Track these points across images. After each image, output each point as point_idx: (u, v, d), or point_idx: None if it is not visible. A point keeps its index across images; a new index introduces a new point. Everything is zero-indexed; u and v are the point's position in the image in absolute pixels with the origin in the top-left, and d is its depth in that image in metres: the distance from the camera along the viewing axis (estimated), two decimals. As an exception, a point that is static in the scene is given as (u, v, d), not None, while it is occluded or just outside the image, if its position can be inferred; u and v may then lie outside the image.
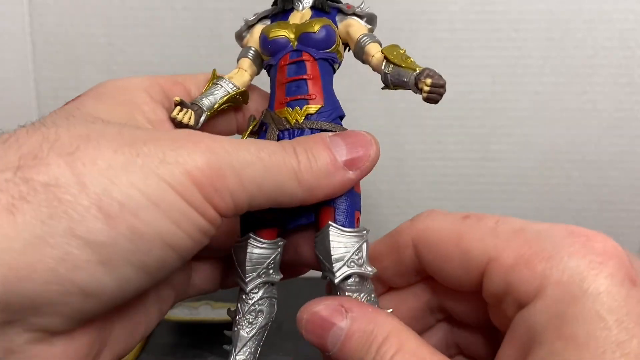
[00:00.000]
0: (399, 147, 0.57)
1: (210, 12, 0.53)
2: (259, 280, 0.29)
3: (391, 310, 0.27)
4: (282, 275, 0.29)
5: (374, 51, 0.31)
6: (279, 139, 0.29)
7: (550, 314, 0.21)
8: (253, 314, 0.29)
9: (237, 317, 0.29)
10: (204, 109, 0.30)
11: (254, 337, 0.29)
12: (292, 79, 0.30)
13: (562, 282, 0.21)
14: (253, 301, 0.29)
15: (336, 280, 0.27)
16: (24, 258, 0.21)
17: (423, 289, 0.30)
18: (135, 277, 0.23)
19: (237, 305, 0.29)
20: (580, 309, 0.21)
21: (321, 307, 0.26)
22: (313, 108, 0.30)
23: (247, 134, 0.31)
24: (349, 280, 0.27)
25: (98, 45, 0.55)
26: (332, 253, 0.27)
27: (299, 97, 0.29)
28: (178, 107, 0.29)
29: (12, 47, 0.55)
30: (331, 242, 0.27)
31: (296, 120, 0.29)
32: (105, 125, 0.25)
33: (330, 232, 0.27)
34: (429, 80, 0.28)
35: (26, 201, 0.21)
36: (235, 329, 0.29)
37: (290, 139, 0.29)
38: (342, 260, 0.27)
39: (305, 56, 0.30)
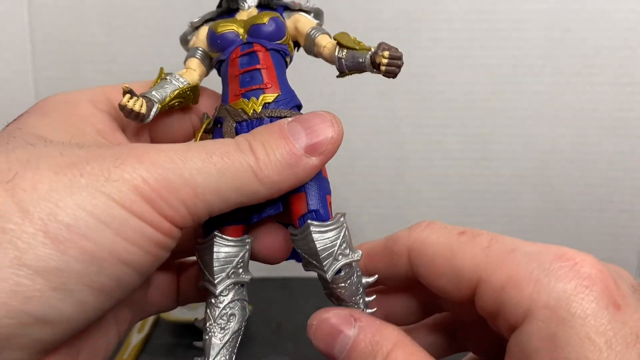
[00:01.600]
0: (399, 147, 0.57)
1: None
2: (228, 282, 0.27)
3: (375, 309, 0.28)
4: (252, 275, 0.28)
5: (325, 42, 0.30)
6: (237, 132, 0.28)
7: (541, 337, 0.22)
8: (225, 318, 0.27)
9: (208, 324, 0.27)
10: (155, 100, 0.28)
11: (228, 343, 0.27)
12: (245, 70, 0.29)
13: (549, 306, 0.22)
14: (224, 304, 0.27)
15: (329, 277, 0.26)
16: None
17: (418, 288, 0.29)
18: (93, 300, 0.22)
19: (206, 311, 0.27)
20: (569, 332, 0.21)
21: (330, 315, 0.26)
22: (270, 97, 0.28)
23: (200, 133, 0.29)
24: (340, 273, 0.27)
25: (98, 45, 0.55)
26: (319, 253, 0.26)
27: (254, 87, 0.28)
28: (128, 95, 0.27)
29: (12, 47, 0.55)
30: (316, 241, 0.26)
31: (254, 110, 0.28)
32: (45, 146, 0.24)
33: (312, 231, 0.26)
34: (386, 53, 0.27)
35: None
36: (207, 337, 0.27)
37: (248, 129, 0.28)
38: (331, 255, 0.26)
39: (256, 47, 0.29)
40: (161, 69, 0.30)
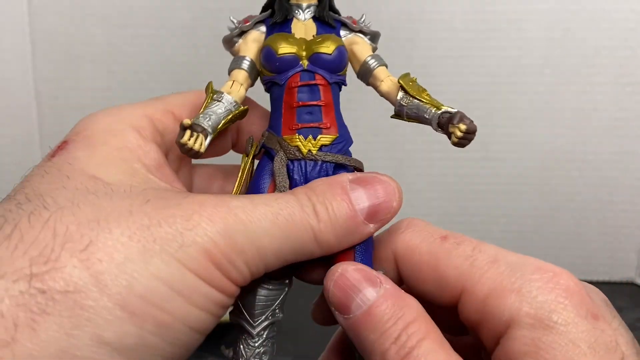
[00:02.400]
0: (399, 147, 0.57)
1: (210, 12, 0.53)
2: (266, 323, 0.27)
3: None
4: (285, 313, 0.29)
5: (383, 76, 0.29)
6: (288, 170, 0.27)
7: (526, 342, 0.22)
8: (258, 357, 0.28)
9: None
10: (210, 130, 0.26)
11: None
12: (304, 103, 0.28)
13: (532, 314, 0.22)
14: (259, 343, 0.27)
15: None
16: None
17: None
18: None
19: (239, 347, 0.27)
20: (554, 338, 0.22)
21: (359, 267, 0.25)
22: (327, 139, 0.28)
23: (249, 160, 0.29)
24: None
25: (98, 45, 0.55)
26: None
27: (312, 125, 0.28)
28: (188, 132, 0.25)
29: (12, 47, 0.55)
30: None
31: (309, 150, 0.27)
32: (110, 199, 0.23)
33: None
34: (463, 127, 0.27)
35: (46, 313, 0.19)
36: None
37: (301, 170, 0.27)
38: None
39: (318, 79, 0.28)
40: (210, 84, 0.28)
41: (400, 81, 0.29)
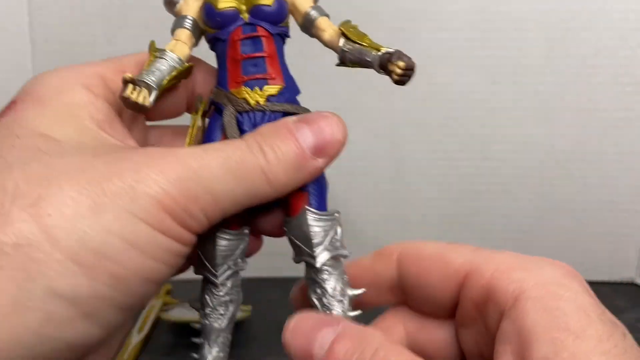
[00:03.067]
0: (399, 147, 0.57)
1: (210, 12, 0.53)
2: (229, 272, 0.28)
3: (364, 290, 0.28)
4: (247, 263, 0.29)
5: (325, 25, 0.30)
6: (238, 122, 0.28)
7: (538, 310, 0.22)
8: (224, 305, 0.28)
9: (207, 310, 0.28)
10: (154, 86, 0.27)
11: (226, 327, 0.29)
12: (248, 56, 0.28)
13: (541, 284, 0.23)
14: (223, 292, 0.28)
15: (318, 264, 0.27)
16: (7, 326, 0.20)
17: (393, 324, 0.29)
18: (119, 318, 0.23)
19: (204, 297, 0.28)
20: (565, 305, 0.22)
21: (312, 314, 0.26)
22: (273, 89, 0.28)
23: (198, 116, 0.29)
24: (328, 263, 0.27)
25: (98, 45, 0.55)
26: (312, 238, 0.27)
27: (257, 76, 0.28)
28: (130, 86, 0.26)
29: (12, 47, 0.55)
30: (310, 227, 0.27)
31: (257, 101, 0.28)
32: (61, 157, 0.23)
33: (308, 218, 0.27)
34: (401, 63, 0.27)
35: None
36: (207, 322, 0.28)
37: (250, 121, 0.28)
38: (322, 244, 0.27)
39: (260, 31, 0.28)
40: (152, 43, 0.29)
41: (342, 28, 0.29)
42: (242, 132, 0.28)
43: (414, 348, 0.29)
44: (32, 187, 0.21)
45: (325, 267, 0.27)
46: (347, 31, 0.29)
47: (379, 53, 0.28)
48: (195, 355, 0.29)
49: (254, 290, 0.60)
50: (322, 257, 0.27)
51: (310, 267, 0.27)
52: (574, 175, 0.58)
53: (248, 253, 0.30)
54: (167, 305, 0.53)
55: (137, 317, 0.51)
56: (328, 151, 0.26)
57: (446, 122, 0.57)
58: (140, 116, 0.30)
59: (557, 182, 0.58)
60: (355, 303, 0.28)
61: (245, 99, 0.28)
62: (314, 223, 0.27)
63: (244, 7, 0.28)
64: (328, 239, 0.27)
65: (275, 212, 0.29)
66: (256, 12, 0.28)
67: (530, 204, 0.59)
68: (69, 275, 0.20)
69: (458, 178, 0.58)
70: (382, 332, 0.24)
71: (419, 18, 0.54)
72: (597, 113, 0.56)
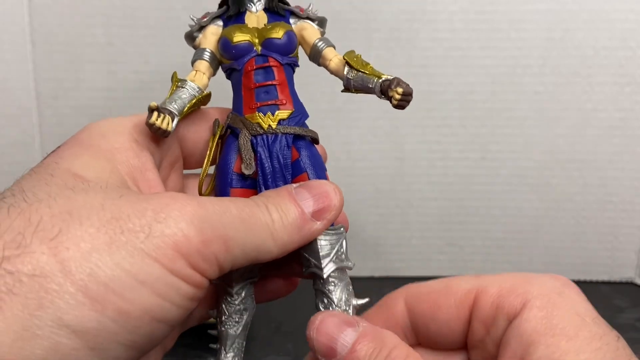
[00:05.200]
0: (399, 147, 0.57)
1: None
2: (242, 283, 0.30)
3: (367, 299, 0.30)
4: (259, 275, 0.31)
5: (331, 55, 0.33)
6: (252, 145, 0.30)
7: (539, 317, 0.25)
8: (239, 313, 0.31)
9: (224, 318, 0.30)
10: (176, 113, 0.30)
11: (241, 334, 0.31)
12: (260, 84, 0.31)
13: (543, 294, 0.25)
14: (238, 301, 0.30)
15: (324, 275, 0.29)
16: (14, 351, 0.20)
17: None
18: (124, 355, 0.23)
19: (221, 306, 0.31)
20: (563, 311, 0.25)
21: (335, 313, 0.28)
22: (284, 113, 0.31)
23: (216, 139, 0.31)
24: (332, 273, 0.29)
25: (98, 45, 0.55)
26: (320, 251, 0.29)
27: (269, 102, 0.31)
28: (155, 113, 0.29)
29: (12, 47, 0.55)
30: (318, 241, 0.29)
31: (269, 125, 0.30)
32: (86, 194, 0.24)
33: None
34: (400, 90, 0.30)
35: (13, 294, 0.21)
36: (223, 328, 0.30)
37: (264, 143, 0.30)
38: (329, 257, 0.29)
39: (271, 62, 0.31)
40: (174, 74, 0.32)
41: (345, 57, 0.32)
42: (255, 152, 0.30)
43: None
44: (55, 222, 0.22)
45: (332, 279, 0.29)
46: (351, 60, 0.32)
47: (380, 80, 0.31)
48: (210, 332, 0.31)
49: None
50: (328, 268, 0.29)
51: (318, 278, 0.30)
52: (573, 175, 0.58)
53: (285, 293, 0.35)
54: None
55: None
56: (326, 215, 0.29)
57: (446, 122, 0.57)
58: (178, 163, 0.33)
59: (557, 182, 0.58)
60: None
61: (258, 123, 0.30)
62: (322, 237, 0.29)
63: (256, 40, 0.31)
64: (334, 252, 0.29)
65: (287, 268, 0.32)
66: (268, 44, 0.31)
67: (530, 204, 0.59)
68: (78, 307, 0.21)
69: (458, 178, 0.58)
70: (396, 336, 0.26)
71: (418, 18, 0.54)
72: (597, 113, 0.56)
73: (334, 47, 0.33)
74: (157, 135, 0.29)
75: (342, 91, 0.33)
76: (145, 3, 0.54)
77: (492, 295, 0.27)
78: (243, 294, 0.31)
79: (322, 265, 0.29)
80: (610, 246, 0.59)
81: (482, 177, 0.58)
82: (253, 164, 0.30)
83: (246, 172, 0.30)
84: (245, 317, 0.31)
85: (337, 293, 0.29)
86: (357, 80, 0.31)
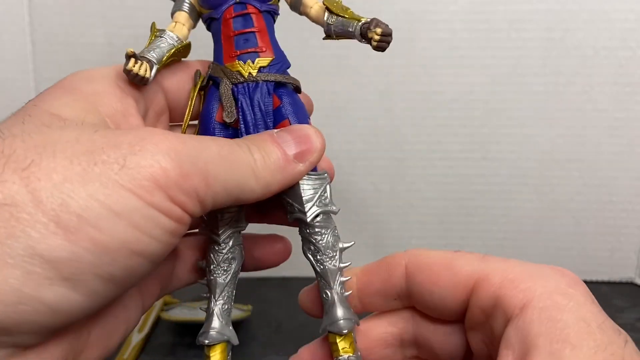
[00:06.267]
0: (399, 147, 0.57)
1: (210, 12, 0.53)
2: (230, 231, 0.30)
3: (353, 242, 0.30)
4: (247, 223, 0.31)
5: (312, 3, 0.32)
6: (233, 93, 0.30)
7: (542, 320, 0.23)
8: (227, 262, 0.30)
9: (212, 267, 0.30)
10: (154, 61, 0.30)
11: (230, 282, 0.30)
12: (239, 32, 0.30)
13: (546, 295, 0.24)
14: (226, 250, 0.30)
15: (308, 219, 0.29)
16: None
17: (400, 317, 0.30)
18: (103, 289, 0.23)
19: (210, 256, 0.30)
20: (567, 316, 0.23)
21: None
22: (264, 61, 0.31)
23: (196, 90, 0.31)
24: (317, 218, 0.29)
25: (98, 45, 0.55)
26: (302, 195, 0.29)
27: (249, 50, 0.30)
28: (132, 59, 0.28)
29: (12, 47, 0.55)
30: (300, 186, 0.29)
31: (249, 73, 0.30)
32: (61, 130, 0.24)
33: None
34: (379, 30, 0.30)
35: None
36: (212, 277, 0.30)
37: (245, 91, 0.30)
38: (312, 201, 0.29)
39: (250, 9, 0.31)
40: (153, 24, 0.32)
41: (325, 3, 0.32)
42: (236, 101, 0.30)
43: (422, 345, 0.30)
44: (28, 154, 0.22)
45: (317, 223, 0.29)
46: (330, 5, 0.31)
47: (360, 24, 0.30)
48: (202, 308, 0.31)
49: (254, 290, 0.60)
50: (311, 212, 0.29)
51: (303, 224, 0.29)
52: (573, 175, 0.58)
53: (277, 261, 0.34)
54: (167, 305, 0.53)
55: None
56: (308, 157, 0.28)
57: (446, 122, 0.57)
58: (164, 115, 0.32)
59: (557, 182, 0.58)
60: (362, 308, 0.30)
61: (239, 71, 0.30)
62: (304, 182, 0.29)
63: None
64: (317, 196, 0.29)
65: (275, 239, 0.32)
66: None
67: (530, 204, 0.59)
68: (49, 236, 0.21)
69: (458, 178, 0.58)
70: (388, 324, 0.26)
71: (418, 18, 0.54)
72: (597, 113, 0.56)
73: None
74: (135, 83, 0.29)
75: (323, 38, 0.32)
76: (145, 3, 0.54)
77: (493, 284, 0.25)
78: (230, 243, 0.30)
79: (306, 210, 0.29)
80: (610, 246, 0.60)
81: (482, 177, 0.58)
82: (234, 112, 0.30)
83: (227, 120, 0.30)
84: (233, 265, 0.30)
85: (324, 238, 0.29)
86: (338, 25, 0.31)
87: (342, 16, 0.31)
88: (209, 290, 0.30)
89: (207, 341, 0.29)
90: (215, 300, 0.30)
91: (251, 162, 0.26)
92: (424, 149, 0.57)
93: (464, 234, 0.60)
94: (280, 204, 0.30)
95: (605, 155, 0.57)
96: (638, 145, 0.57)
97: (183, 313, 0.51)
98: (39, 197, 0.21)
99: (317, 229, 0.29)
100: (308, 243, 0.29)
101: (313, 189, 0.29)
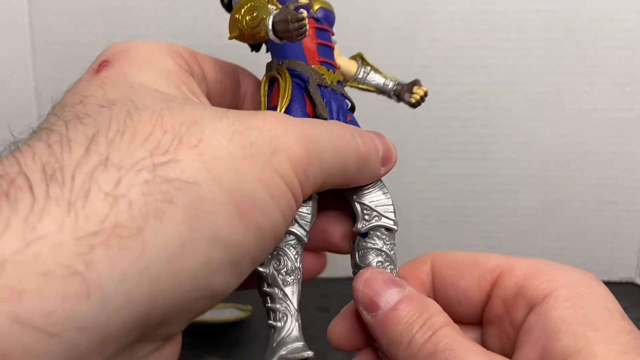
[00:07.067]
0: (399, 147, 0.57)
1: (210, 12, 0.53)
2: None
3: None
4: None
5: (337, 52, 0.33)
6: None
7: (565, 307, 0.23)
8: (299, 267, 0.27)
9: (290, 268, 0.26)
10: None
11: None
12: (321, 42, 0.30)
13: (569, 285, 0.24)
14: (302, 252, 0.27)
15: (396, 227, 0.29)
16: (171, 269, 0.19)
17: None
18: (248, 272, 0.22)
19: (287, 257, 0.26)
20: (590, 303, 0.24)
21: (385, 272, 0.27)
22: (339, 77, 0.31)
23: (288, 83, 0.29)
24: (391, 233, 0.29)
25: (98, 46, 0.55)
26: (393, 203, 0.29)
27: (330, 61, 0.30)
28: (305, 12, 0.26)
29: (12, 47, 0.55)
30: (386, 195, 0.29)
31: (332, 81, 0.30)
32: (192, 106, 0.23)
33: (384, 186, 0.30)
34: (422, 91, 0.33)
35: (171, 203, 0.19)
36: (289, 281, 0.26)
37: (329, 96, 0.29)
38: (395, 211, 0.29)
39: (326, 27, 0.31)
40: None
41: (360, 53, 0.33)
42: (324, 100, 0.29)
43: None
44: (190, 130, 0.21)
45: (387, 236, 0.29)
46: (363, 56, 0.33)
47: (396, 81, 0.33)
48: (272, 324, 0.26)
49: (254, 290, 0.60)
50: (396, 220, 0.29)
51: (388, 230, 0.29)
52: (573, 175, 0.58)
53: (313, 275, 0.32)
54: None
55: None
56: (388, 163, 0.29)
57: (446, 122, 0.57)
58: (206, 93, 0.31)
59: (557, 182, 0.58)
60: None
61: (324, 75, 0.30)
62: (386, 189, 0.29)
63: (315, 7, 0.31)
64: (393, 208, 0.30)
65: (343, 222, 0.30)
66: (321, 11, 0.31)
67: (530, 204, 0.59)
68: (229, 219, 0.20)
69: (458, 178, 0.58)
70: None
71: (418, 18, 0.54)
72: (597, 113, 0.56)
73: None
74: (295, 37, 0.26)
75: (350, 86, 0.33)
76: (145, 3, 0.54)
77: (517, 275, 0.26)
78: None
79: (394, 217, 0.29)
80: (610, 246, 0.59)
81: (482, 177, 0.58)
82: (326, 109, 0.29)
83: (324, 115, 0.28)
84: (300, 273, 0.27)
85: (391, 252, 0.29)
86: (371, 76, 0.33)
87: (376, 70, 0.33)
88: (281, 299, 0.25)
89: (310, 353, 0.25)
90: (297, 310, 0.26)
91: (356, 147, 0.26)
92: (424, 149, 0.57)
93: (464, 234, 0.60)
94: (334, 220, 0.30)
95: (605, 155, 0.57)
96: (638, 145, 0.57)
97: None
98: (218, 176, 0.20)
99: (393, 240, 0.29)
100: (377, 253, 0.28)
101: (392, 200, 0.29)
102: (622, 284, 0.60)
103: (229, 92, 0.31)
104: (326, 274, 0.34)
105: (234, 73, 0.33)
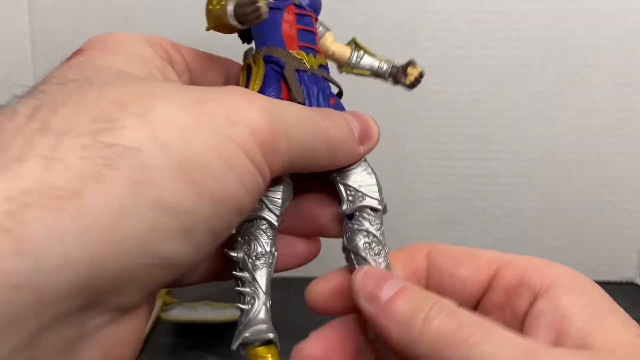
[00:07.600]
0: (399, 147, 0.57)
1: (210, 12, 0.53)
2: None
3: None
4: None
5: (332, 37, 0.33)
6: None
7: (573, 294, 0.24)
8: (273, 252, 0.28)
9: (259, 253, 0.27)
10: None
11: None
12: (303, 27, 0.30)
13: (570, 277, 0.25)
14: (274, 236, 0.28)
15: (382, 207, 0.28)
16: (114, 233, 0.18)
17: None
18: (207, 244, 0.22)
19: (257, 241, 0.27)
20: (594, 293, 0.24)
21: (380, 268, 0.27)
22: (322, 61, 0.31)
23: (260, 67, 0.29)
24: (377, 213, 0.28)
25: (98, 45, 0.55)
26: (377, 183, 0.29)
27: (311, 46, 0.30)
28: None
29: (12, 47, 0.55)
30: (375, 174, 0.29)
31: (312, 65, 0.30)
32: (149, 82, 0.23)
33: (369, 167, 0.30)
34: (416, 71, 0.32)
35: (112, 168, 0.19)
36: (257, 265, 0.27)
37: (304, 80, 0.29)
38: (381, 190, 0.29)
39: (310, 13, 0.31)
40: None
41: (354, 39, 0.33)
42: (300, 85, 0.29)
43: None
44: (139, 100, 0.21)
45: (376, 217, 0.28)
46: (357, 41, 0.33)
47: (391, 63, 0.33)
48: (238, 307, 0.27)
49: (254, 290, 0.60)
50: (384, 202, 0.29)
51: (374, 210, 0.28)
52: (574, 175, 0.58)
53: (305, 260, 0.31)
54: (167, 305, 0.53)
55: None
56: (368, 141, 0.29)
57: (446, 122, 0.57)
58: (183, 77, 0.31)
59: (557, 182, 0.58)
60: None
61: (303, 60, 0.29)
62: (370, 169, 0.29)
63: None
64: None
65: (331, 205, 0.30)
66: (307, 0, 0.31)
67: (530, 204, 0.59)
68: (176, 185, 0.20)
69: (458, 178, 0.58)
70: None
71: (418, 18, 0.54)
72: (597, 113, 0.56)
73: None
74: (252, 21, 0.27)
75: (340, 72, 0.33)
76: (145, 3, 0.54)
77: (518, 267, 0.26)
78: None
79: (380, 197, 0.28)
80: (610, 246, 0.59)
81: (482, 177, 0.58)
82: (302, 93, 0.29)
83: (298, 99, 0.28)
84: (275, 259, 0.28)
85: (378, 235, 0.28)
86: (366, 60, 0.33)
87: (370, 53, 0.33)
88: (250, 283, 0.26)
89: (272, 335, 0.27)
90: (265, 293, 0.27)
91: (325, 130, 0.26)
92: (424, 149, 0.57)
93: (464, 234, 0.60)
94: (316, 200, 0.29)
95: (605, 155, 0.57)
96: (638, 145, 0.57)
97: (183, 313, 0.51)
98: (164, 142, 0.20)
99: (379, 220, 0.28)
100: (364, 234, 0.28)
101: (377, 179, 0.29)
102: (622, 284, 0.60)
103: (217, 85, 0.31)
104: (320, 272, 0.34)
105: (223, 66, 0.33)
